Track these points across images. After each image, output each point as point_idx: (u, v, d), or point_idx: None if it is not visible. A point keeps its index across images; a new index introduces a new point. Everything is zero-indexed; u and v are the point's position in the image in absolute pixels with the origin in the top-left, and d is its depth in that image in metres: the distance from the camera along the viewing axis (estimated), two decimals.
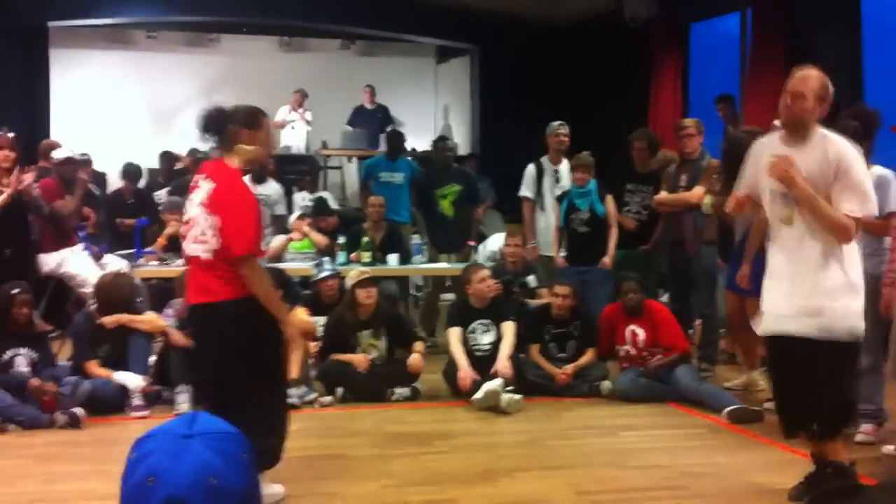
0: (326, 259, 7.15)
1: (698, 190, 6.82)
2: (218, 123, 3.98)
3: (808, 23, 8.58)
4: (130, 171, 9.44)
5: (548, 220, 7.66)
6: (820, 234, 3.84)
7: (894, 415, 5.13)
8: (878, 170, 5.11)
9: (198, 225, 3.97)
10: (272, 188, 8.75)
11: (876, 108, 5.42)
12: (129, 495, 1.29)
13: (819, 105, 3.87)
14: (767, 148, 4.02)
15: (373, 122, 11.87)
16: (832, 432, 3.99)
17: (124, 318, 6.14)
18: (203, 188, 3.98)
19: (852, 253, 3.91)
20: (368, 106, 12.18)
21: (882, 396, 5.16)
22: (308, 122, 11.78)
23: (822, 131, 3.89)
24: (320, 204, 8.95)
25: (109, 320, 6.07)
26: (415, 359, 6.14)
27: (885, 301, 4.88)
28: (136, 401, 5.66)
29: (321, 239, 7.91)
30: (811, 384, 3.92)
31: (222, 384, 3.97)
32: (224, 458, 1.30)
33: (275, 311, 3.98)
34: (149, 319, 6.13)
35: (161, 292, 7.18)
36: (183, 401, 5.73)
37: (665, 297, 7.65)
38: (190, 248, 4.03)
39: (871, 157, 5.20)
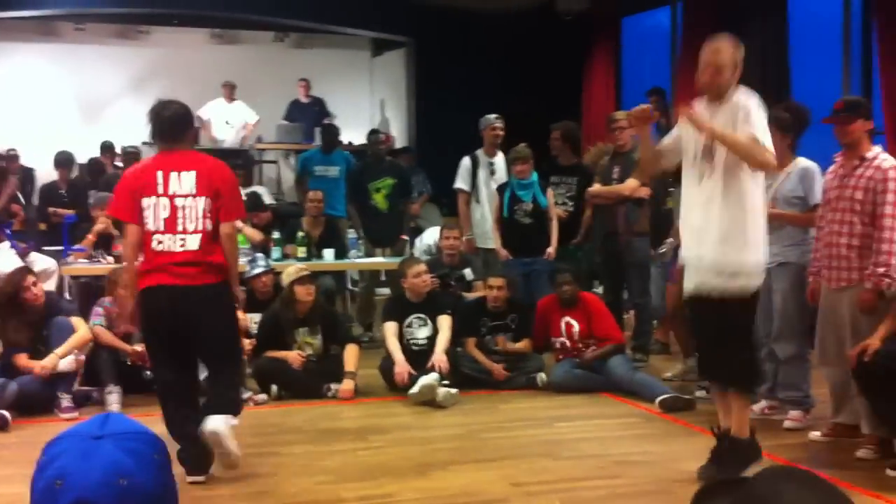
0: (260, 255, 7.07)
1: (631, 182, 6.90)
2: (186, 124, 4.53)
3: (736, 17, 8.73)
4: (63, 159, 9.23)
5: (483, 212, 7.65)
6: (723, 196, 4.08)
7: (822, 402, 5.24)
8: (803, 161, 5.24)
9: (187, 215, 4.26)
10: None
11: (806, 105, 5.56)
12: (38, 499, 1.26)
13: (734, 72, 4.12)
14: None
15: (309, 115, 11.76)
16: (737, 386, 4.23)
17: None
18: (185, 179, 4.26)
19: (755, 212, 4.14)
20: (304, 99, 12.06)
21: (808, 383, 5.28)
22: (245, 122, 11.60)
23: (736, 93, 4.13)
24: (253, 199, 8.84)
25: (106, 337, 5.90)
26: (345, 390, 6.01)
27: (811, 290, 5.00)
28: (66, 402, 5.53)
29: (255, 234, 7.83)
30: (718, 338, 4.19)
31: (229, 351, 4.52)
32: (135, 459, 1.28)
33: (236, 274, 4.59)
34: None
35: (90, 290, 7.03)
36: (113, 401, 5.63)
37: (600, 289, 7.73)
38: (177, 240, 4.24)
39: (796, 150, 5.33)
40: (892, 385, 4.30)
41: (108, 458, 1.26)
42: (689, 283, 4.26)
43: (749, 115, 4.06)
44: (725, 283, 4.09)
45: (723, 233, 4.08)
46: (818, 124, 5.00)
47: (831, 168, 4.89)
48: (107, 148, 10.67)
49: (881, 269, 4.52)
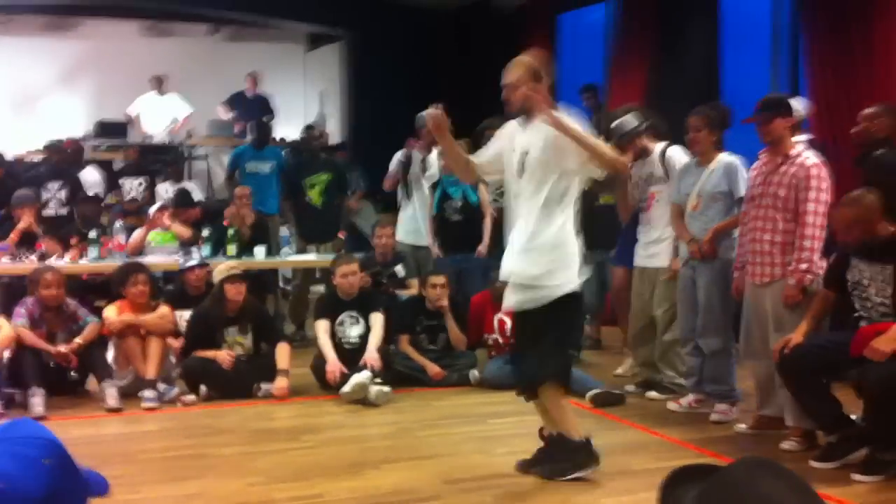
0: (195, 248, 6.96)
1: None
2: None
3: (670, 15, 8.84)
4: None
5: (415, 209, 7.65)
6: (534, 212, 4.08)
7: (748, 395, 5.34)
8: (727, 157, 5.34)
9: None
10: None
11: (729, 105, 5.67)
12: None
13: (536, 84, 4.08)
14: (509, 131, 4.27)
15: (252, 110, 11.59)
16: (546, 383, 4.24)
17: (129, 318, 5.92)
18: None
19: (563, 228, 4.12)
20: (249, 94, 11.90)
21: (734, 377, 5.38)
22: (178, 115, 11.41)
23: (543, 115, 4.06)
24: (182, 196, 8.70)
25: (115, 323, 5.84)
26: (280, 388, 5.95)
27: (735, 285, 5.09)
28: None
29: (184, 231, 7.70)
30: (530, 345, 4.26)
31: None
32: (19, 464, 1.27)
33: None
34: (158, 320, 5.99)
35: (12, 290, 6.84)
36: (37, 403, 5.48)
37: None
38: None
39: (721, 147, 5.43)
40: (815, 378, 4.40)
41: None
42: (507, 301, 4.29)
43: (563, 139, 4.00)
44: (528, 297, 4.12)
45: (528, 247, 4.10)
46: (741, 127, 5.08)
47: (755, 164, 4.98)
48: None
49: (804, 266, 4.61)
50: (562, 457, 4.24)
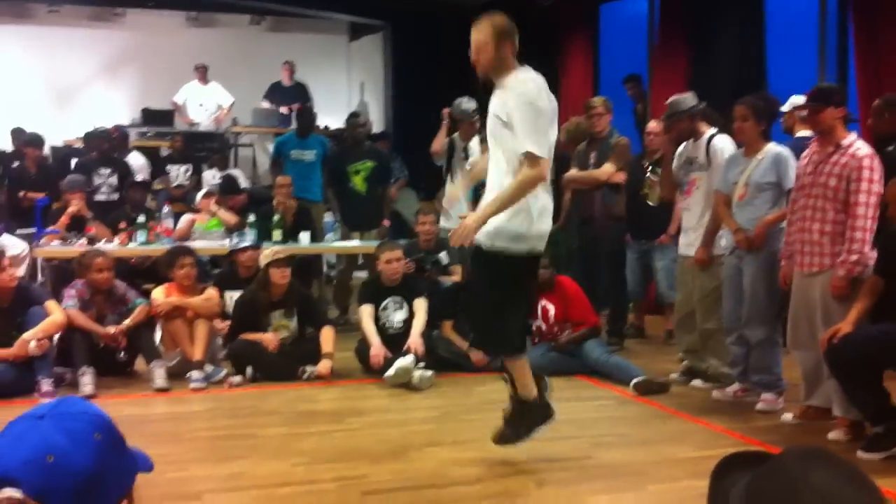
0: (249, 230, 7.04)
1: (607, 167, 6.93)
2: None
3: (713, 4, 8.75)
4: (31, 139, 9.10)
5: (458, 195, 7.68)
6: (495, 175, 3.96)
7: (794, 385, 5.29)
8: (775, 147, 5.28)
9: None
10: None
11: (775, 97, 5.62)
12: None
13: (502, 44, 3.95)
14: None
15: (289, 99, 11.69)
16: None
17: (176, 300, 6.01)
18: None
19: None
20: (286, 83, 11.98)
21: (780, 366, 5.33)
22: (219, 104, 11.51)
23: (515, 73, 3.94)
24: (228, 182, 8.80)
25: (163, 305, 5.94)
26: (324, 369, 6.00)
27: (783, 274, 5.04)
28: (46, 386, 5.43)
29: (230, 217, 7.79)
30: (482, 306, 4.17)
31: None
32: (70, 438, 1.29)
33: None
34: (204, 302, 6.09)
35: (63, 273, 6.97)
36: (87, 383, 5.59)
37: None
38: None
39: (768, 137, 5.38)
40: (863, 368, 4.35)
41: (41, 438, 1.28)
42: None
43: (512, 118, 3.85)
44: (488, 240, 3.95)
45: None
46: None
47: (805, 154, 4.92)
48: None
49: (854, 257, 4.56)
50: (519, 417, 4.21)
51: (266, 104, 11.80)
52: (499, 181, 3.94)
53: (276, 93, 11.87)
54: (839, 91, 5.01)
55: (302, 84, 11.97)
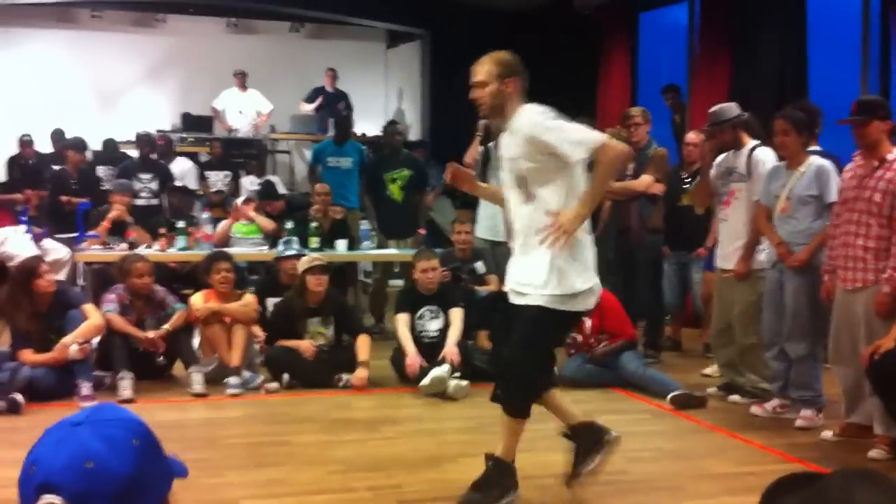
0: (295, 238, 7.08)
1: (645, 178, 6.89)
2: None
3: (754, 14, 8.68)
4: (74, 144, 9.22)
5: (493, 206, 7.67)
6: (537, 218, 3.74)
7: (834, 402, 5.22)
8: (818, 160, 5.23)
9: None
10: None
11: (817, 106, 5.55)
12: (20, 484, 1.31)
13: (503, 83, 3.79)
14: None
15: (331, 105, 11.76)
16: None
17: (215, 305, 6.08)
18: None
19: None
20: (329, 89, 12.06)
21: (820, 383, 5.26)
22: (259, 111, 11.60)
23: (518, 110, 3.80)
24: (268, 187, 8.86)
25: (201, 310, 6.01)
26: (359, 378, 5.99)
27: (825, 289, 4.97)
28: (85, 390, 5.48)
29: (268, 223, 7.84)
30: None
31: None
32: (108, 444, 1.30)
33: None
34: (242, 308, 6.12)
35: (103, 277, 7.06)
36: (125, 387, 5.64)
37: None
38: None
39: (812, 148, 5.32)
40: None
41: (79, 444, 1.29)
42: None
43: (543, 134, 3.68)
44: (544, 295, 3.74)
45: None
46: (834, 126, 4.96)
47: (849, 167, 4.87)
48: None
49: None
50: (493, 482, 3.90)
51: (304, 106, 11.86)
52: (535, 225, 3.74)
53: (318, 98, 11.93)
54: (884, 104, 4.94)
55: (344, 92, 12.03)
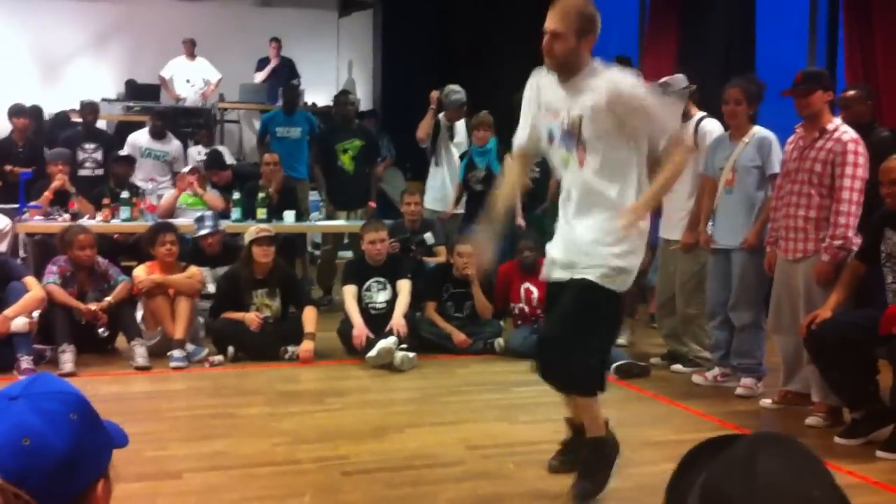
0: (208, 214, 6.99)
1: None
2: None
3: None
4: (17, 111, 8.94)
5: (443, 176, 7.72)
6: (597, 183, 3.48)
7: (774, 370, 5.31)
8: (761, 131, 5.28)
9: None
10: (172, 145, 8.59)
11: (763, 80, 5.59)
12: None
13: (582, 40, 3.42)
14: (545, 88, 3.62)
15: (278, 75, 11.61)
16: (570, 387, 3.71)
17: (158, 277, 5.99)
18: None
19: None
20: (274, 60, 11.90)
21: (762, 351, 5.35)
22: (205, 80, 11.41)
23: (592, 65, 3.48)
24: (214, 157, 8.73)
25: (145, 282, 5.92)
26: (305, 350, 5.97)
27: (768, 260, 5.04)
28: (25, 363, 5.39)
29: (216, 201, 7.72)
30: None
31: None
32: (45, 419, 1.26)
33: None
34: (186, 280, 6.06)
35: (45, 249, 6.92)
36: (67, 360, 5.56)
37: None
38: None
39: (755, 121, 5.37)
40: (842, 354, 4.36)
41: (16, 419, 1.26)
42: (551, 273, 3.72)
43: (634, 104, 3.39)
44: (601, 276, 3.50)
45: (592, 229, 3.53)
46: (781, 98, 4.99)
47: (791, 139, 4.92)
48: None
49: (838, 242, 4.56)
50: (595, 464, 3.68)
51: (258, 76, 11.72)
52: (592, 192, 3.48)
53: (265, 67, 11.78)
54: (827, 75, 5.00)
55: (290, 60, 11.88)
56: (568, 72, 3.48)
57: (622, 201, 3.45)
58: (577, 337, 3.47)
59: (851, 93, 5.54)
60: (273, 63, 11.75)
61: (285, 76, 11.43)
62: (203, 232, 6.65)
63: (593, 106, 3.40)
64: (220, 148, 10.12)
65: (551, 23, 3.43)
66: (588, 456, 3.68)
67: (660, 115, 3.49)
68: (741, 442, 1.12)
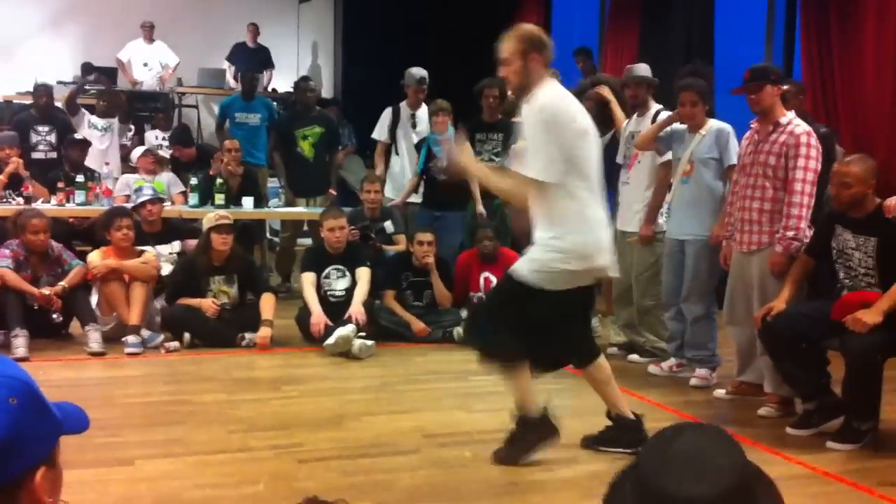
0: (147, 184, 6.90)
1: None
2: None
3: None
4: None
5: (403, 165, 7.70)
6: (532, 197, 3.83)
7: (728, 361, 5.38)
8: (717, 123, 5.34)
9: None
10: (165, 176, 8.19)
11: (706, 63, 5.62)
12: None
13: (528, 59, 3.75)
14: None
15: (252, 61, 11.44)
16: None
17: (113, 263, 5.88)
18: None
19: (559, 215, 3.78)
20: (251, 45, 11.76)
21: (715, 343, 5.42)
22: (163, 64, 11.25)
23: (540, 89, 3.77)
24: (182, 132, 8.61)
25: (100, 267, 5.81)
26: (262, 336, 5.94)
27: (723, 253, 5.10)
28: None
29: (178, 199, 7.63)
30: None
31: None
32: None
33: None
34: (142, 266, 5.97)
35: None
36: (19, 345, 5.48)
37: None
38: None
39: (712, 113, 5.43)
40: (795, 346, 4.43)
41: None
42: None
43: (529, 139, 3.75)
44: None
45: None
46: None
47: (747, 134, 4.97)
48: None
49: (791, 233, 4.62)
50: (517, 438, 4.04)
51: (229, 67, 11.54)
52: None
53: (239, 54, 11.61)
54: (776, 70, 5.06)
55: (265, 47, 11.75)
56: (522, 92, 3.82)
57: (541, 217, 3.80)
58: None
59: (786, 87, 5.60)
60: (250, 46, 11.59)
61: (258, 64, 11.25)
62: (143, 198, 6.55)
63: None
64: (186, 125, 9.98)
65: (499, 52, 3.79)
66: (514, 429, 4.03)
67: (530, 153, 3.75)
68: (662, 430, 1.19)
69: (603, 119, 5.91)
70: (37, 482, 1.28)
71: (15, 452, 1.25)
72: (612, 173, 5.72)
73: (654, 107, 5.78)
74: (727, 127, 5.31)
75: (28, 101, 9.46)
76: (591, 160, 3.83)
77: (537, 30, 3.89)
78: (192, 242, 6.54)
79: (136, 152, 8.05)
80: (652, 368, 5.64)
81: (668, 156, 5.53)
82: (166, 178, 7.86)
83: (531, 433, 4.00)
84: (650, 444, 1.17)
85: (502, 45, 3.80)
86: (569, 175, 3.72)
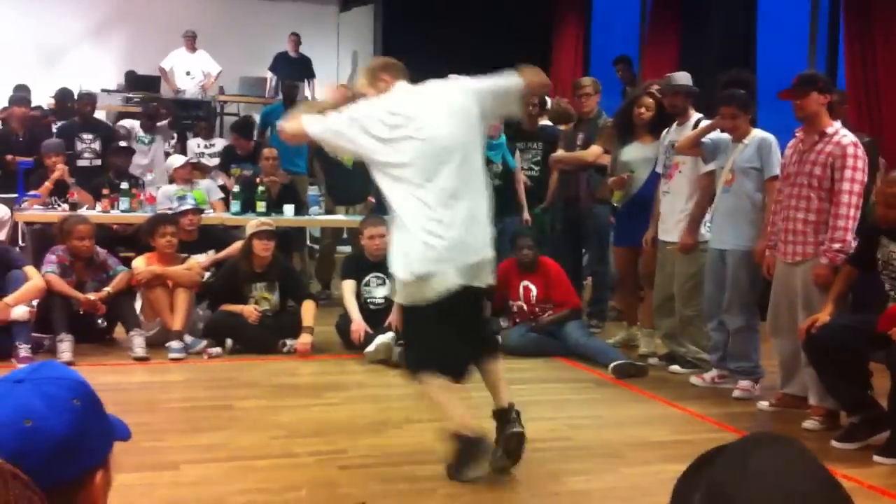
0: (190, 194, 6.98)
1: (594, 148, 6.92)
2: None
3: None
4: (18, 98, 8.90)
5: None
6: None
7: (771, 372, 5.32)
8: (761, 133, 5.29)
9: None
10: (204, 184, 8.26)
11: (749, 71, 5.56)
12: None
13: (377, 79, 4.15)
14: None
15: (294, 71, 11.57)
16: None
17: (157, 269, 5.96)
18: None
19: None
20: (292, 54, 11.88)
21: (758, 354, 5.36)
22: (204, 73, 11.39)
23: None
24: (244, 123, 8.67)
25: (143, 273, 5.90)
26: (303, 343, 5.98)
27: (767, 263, 5.05)
28: (23, 352, 5.39)
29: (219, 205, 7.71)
30: None
31: None
32: (49, 403, 1.28)
33: None
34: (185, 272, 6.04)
35: (44, 238, 6.91)
36: (65, 350, 5.56)
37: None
38: None
39: (755, 122, 5.38)
40: (840, 358, 4.37)
41: (19, 401, 1.27)
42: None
43: None
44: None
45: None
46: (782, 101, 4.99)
47: (791, 143, 4.92)
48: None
49: (837, 245, 4.57)
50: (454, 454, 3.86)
51: (271, 77, 11.67)
52: None
53: (281, 64, 11.74)
54: (824, 78, 5.00)
55: (307, 57, 11.85)
56: None
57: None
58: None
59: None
60: (291, 55, 11.71)
61: (300, 73, 11.35)
62: (184, 207, 6.62)
63: None
64: (220, 141, 10.09)
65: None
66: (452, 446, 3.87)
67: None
68: (737, 441, 1.15)
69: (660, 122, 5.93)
70: (97, 483, 1.31)
71: (79, 452, 1.29)
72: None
73: (695, 116, 5.75)
74: (770, 137, 5.25)
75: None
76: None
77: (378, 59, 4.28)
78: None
79: (174, 161, 8.11)
80: (693, 379, 5.59)
81: (713, 165, 5.49)
82: (205, 185, 7.95)
83: (463, 452, 3.82)
84: (725, 459, 1.13)
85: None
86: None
